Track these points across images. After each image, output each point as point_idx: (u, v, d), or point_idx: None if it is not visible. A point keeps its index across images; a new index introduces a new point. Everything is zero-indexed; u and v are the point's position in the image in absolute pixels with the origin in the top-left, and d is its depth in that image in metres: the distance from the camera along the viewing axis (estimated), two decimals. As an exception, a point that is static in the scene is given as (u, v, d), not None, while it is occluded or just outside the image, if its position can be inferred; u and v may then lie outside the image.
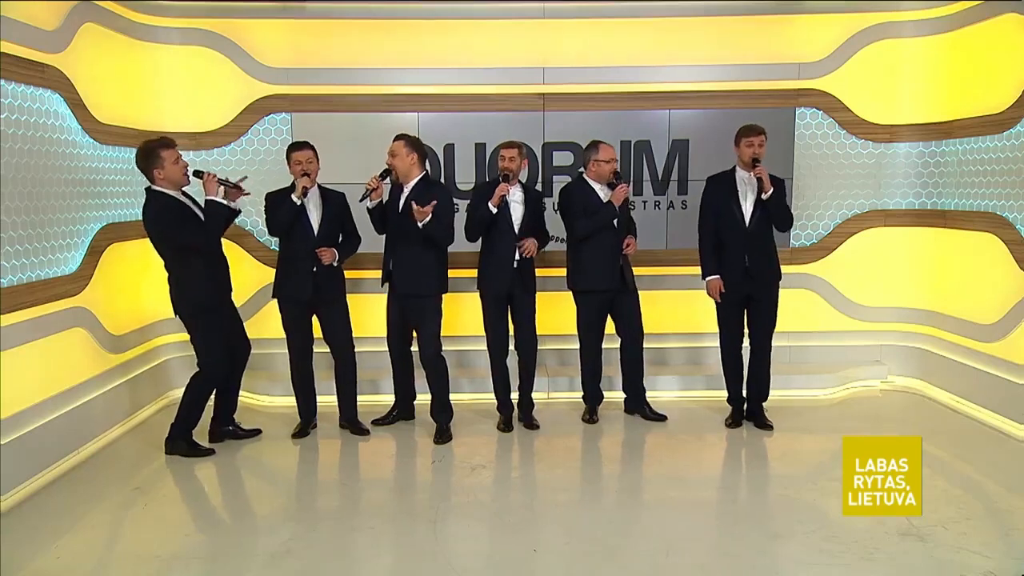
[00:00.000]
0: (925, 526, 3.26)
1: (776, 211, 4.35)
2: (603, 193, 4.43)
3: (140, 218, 4.88)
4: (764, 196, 4.28)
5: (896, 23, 5.26)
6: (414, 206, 4.03)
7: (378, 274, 4.45)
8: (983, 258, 4.81)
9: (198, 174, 3.95)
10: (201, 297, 3.97)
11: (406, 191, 4.24)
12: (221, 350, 4.08)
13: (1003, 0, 4.57)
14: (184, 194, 4.00)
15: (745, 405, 4.66)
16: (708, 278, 4.48)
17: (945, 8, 5.07)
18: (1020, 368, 4.49)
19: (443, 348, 4.45)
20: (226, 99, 5.24)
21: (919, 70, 5.26)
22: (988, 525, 3.39)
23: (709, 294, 4.49)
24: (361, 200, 4.20)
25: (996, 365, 4.68)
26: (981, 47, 4.82)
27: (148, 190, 3.91)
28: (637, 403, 4.75)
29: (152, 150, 3.86)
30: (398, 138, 4.26)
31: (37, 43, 3.87)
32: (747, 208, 4.37)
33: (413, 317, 4.35)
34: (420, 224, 4.07)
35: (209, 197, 3.93)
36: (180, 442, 4.15)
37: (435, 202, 4.04)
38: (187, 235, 3.87)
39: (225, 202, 3.98)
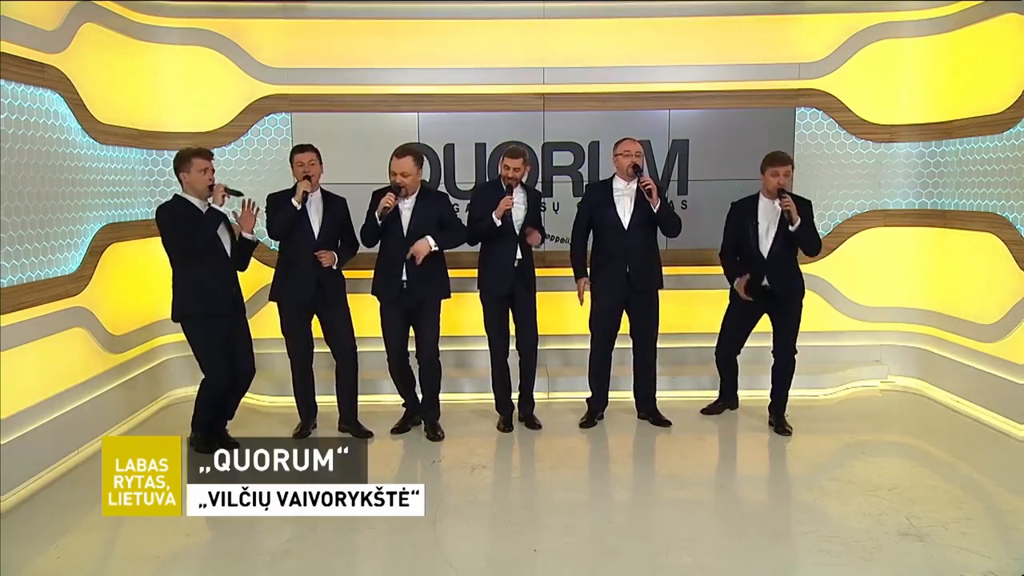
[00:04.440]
0: (925, 526, 3.26)
1: (804, 241, 4.28)
2: (625, 188, 4.39)
3: (140, 218, 4.93)
4: (792, 228, 4.21)
5: (896, 23, 5.27)
6: (416, 254, 4.13)
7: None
8: (983, 258, 4.81)
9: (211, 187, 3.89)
10: (186, 305, 3.90)
11: (407, 203, 4.21)
12: (218, 357, 3.97)
13: (1003, 0, 4.57)
14: (215, 212, 3.92)
15: (768, 407, 4.67)
16: (736, 281, 4.43)
17: (945, 8, 5.07)
18: (1020, 368, 4.49)
19: (442, 348, 4.48)
20: (226, 99, 5.23)
21: (919, 70, 5.27)
22: (988, 525, 3.39)
23: (742, 294, 4.42)
24: (380, 218, 4.09)
25: (996, 365, 4.68)
26: (981, 47, 4.82)
27: (174, 195, 3.96)
28: (645, 407, 4.74)
29: (184, 155, 3.88)
30: (405, 153, 4.15)
31: (37, 43, 3.87)
32: (767, 238, 4.30)
33: (420, 322, 4.34)
34: (433, 247, 4.17)
35: (213, 204, 3.90)
36: (198, 438, 4.09)
37: (431, 243, 4.15)
38: (177, 238, 3.83)
39: (223, 209, 3.90)
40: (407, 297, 4.25)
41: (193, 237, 3.83)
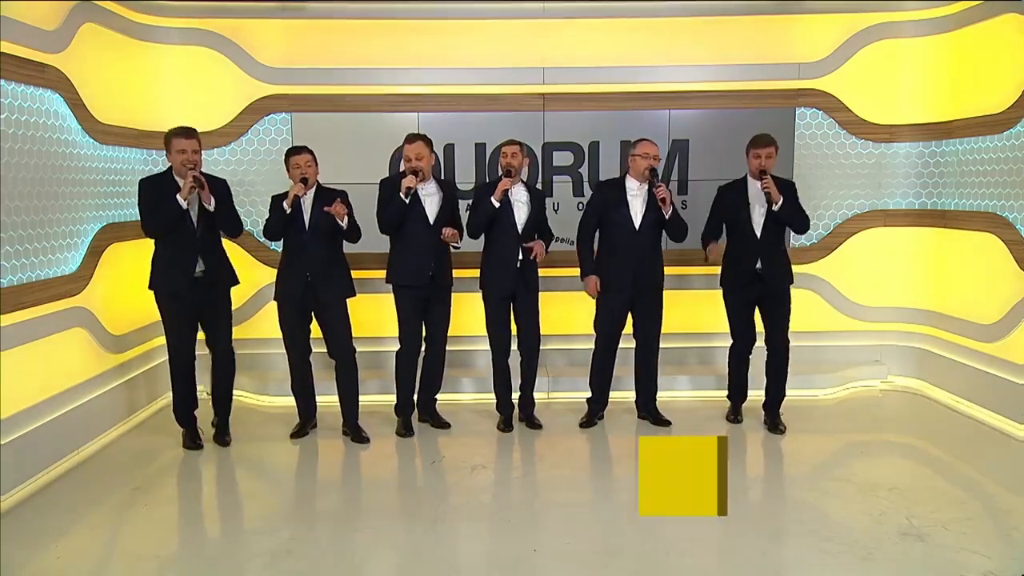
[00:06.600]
0: (925, 526, 3.26)
1: (790, 219, 4.34)
2: (638, 189, 4.38)
3: (138, 218, 4.93)
4: (775, 208, 4.26)
5: (896, 23, 5.27)
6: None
7: (382, 273, 4.43)
8: (983, 258, 4.81)
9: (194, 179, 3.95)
10: (156, 280, 4.08)
11: (429, 189, 4.33)
12: (177, 336, 4.14)
13: (1003, 0, 4.57)
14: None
15: (764, 405, 4.66)
16: (710, 246, 4.48)
17: (945, 8, 5.07)
18: (1020, 368, 4.49)
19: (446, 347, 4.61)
20: (226, 99, 5.24)
21: (919, 70, 5.27)
22: (988, 525, 3.39)
23: (714, 256, 4.49)
24: (407, 196, 4.16)
25: (996, 365, 4.68)
26: (981, 47, 4.82)
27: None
28: (646, 407, 4.73)
29: (167, 136, 4.04)
30: (416, 138, 4.25)
31: (37, 43, 3.87)
32: (757, 218, 4.35)
33: (434, 312, 4.45)
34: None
35: (179, 196, 3.93)
36: (180, 423, 4.34)
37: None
38: (143, 215, 4.01)
39: (184, 204, 3.93)
40: (431, 285, 4.35)
41: (157, 222, 3.97)
